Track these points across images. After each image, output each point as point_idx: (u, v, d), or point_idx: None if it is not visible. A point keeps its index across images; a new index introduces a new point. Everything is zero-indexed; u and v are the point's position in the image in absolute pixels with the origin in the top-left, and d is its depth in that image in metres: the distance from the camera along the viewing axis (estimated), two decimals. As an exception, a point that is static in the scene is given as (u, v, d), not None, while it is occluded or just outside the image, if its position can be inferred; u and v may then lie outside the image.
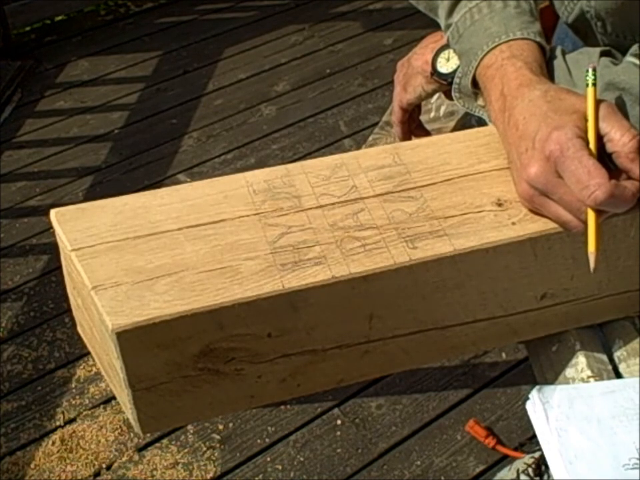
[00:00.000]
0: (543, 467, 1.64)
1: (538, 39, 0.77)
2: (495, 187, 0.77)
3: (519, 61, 0.75)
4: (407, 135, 0.98)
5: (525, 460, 1.68)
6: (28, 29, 3.23)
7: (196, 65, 3.02)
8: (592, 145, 0.69)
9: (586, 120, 0.69)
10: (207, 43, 3.13)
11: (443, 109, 1.09)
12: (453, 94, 0.84)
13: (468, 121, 1.04)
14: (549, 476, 1.62)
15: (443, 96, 1.04)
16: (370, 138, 1.08)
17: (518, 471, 1.66)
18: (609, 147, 0.69)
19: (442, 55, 0.87)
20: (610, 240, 0.75)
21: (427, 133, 0.99)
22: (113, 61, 3.07)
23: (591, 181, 0.66)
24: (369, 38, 3.09)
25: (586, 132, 0.69)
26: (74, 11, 3.32)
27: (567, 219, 0.69)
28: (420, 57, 0.91)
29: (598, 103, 0.70)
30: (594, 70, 0.71)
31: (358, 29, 3.15)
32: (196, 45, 3.13)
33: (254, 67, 3.00)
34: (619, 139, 0.68)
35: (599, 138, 0.69)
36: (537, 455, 1.67)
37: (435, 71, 0.87)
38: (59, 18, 3.30)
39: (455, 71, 0.84)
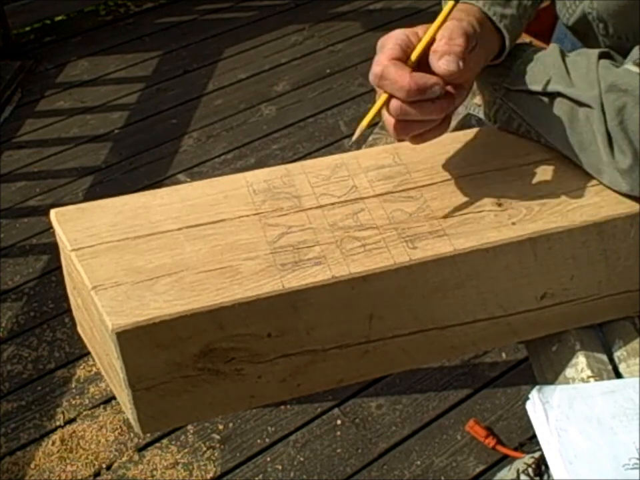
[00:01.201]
0: (543, 467, 1.64)
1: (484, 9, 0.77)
2: (494, 186, 0.77)
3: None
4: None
5: (525, 460, 1.68)
6: (28, 29, 3.23)
7: (196, 65, 3.02)
8: (424, 39, 0.72)
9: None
10: (207, 43, 3.13)
11: (442, 108, 1.09)
12: None
13: (468, 121, 1.04)
14: (549, 476, 1.62)
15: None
16: (370, 138, 1.08)
17: (518, 471, 1.66)
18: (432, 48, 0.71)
19: None
20: (610, 240, 0.75)
21: None
22: (113, 60, 3.07)
23: (376, 64, 0.72)
24: (369, 38, 3.08)
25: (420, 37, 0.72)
26: (74, 11, 3.32)
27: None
28: None
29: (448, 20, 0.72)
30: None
31: (358, 29, 3.15)
32: (196, 45, 3.13)
33: (254, 66, 2.99)
34: (439, 39, 0.70)
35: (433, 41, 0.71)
36: (536, 454, 1.67)
37: None
38: (59, 18, 3.30)
39: None
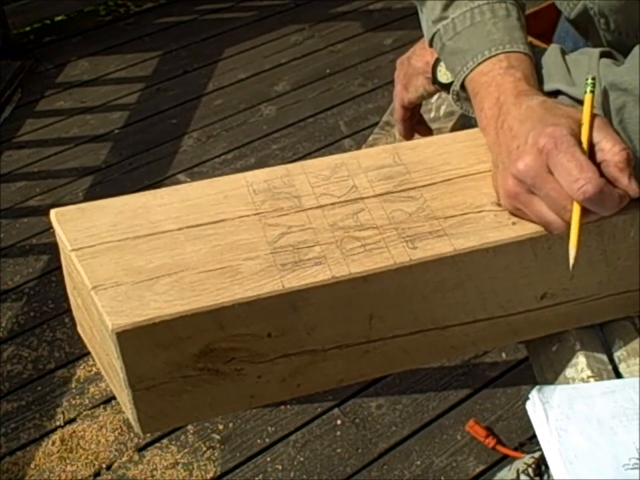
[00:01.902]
0: (543, 467, 1.64)
1: (531, 56, 0.78)
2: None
3: (518, 72, 0.75)
4: (409, 132, 0.98)
5: (524, 460, 1.68)
6: (28, 28, 3.23)
7: (196, 65, 3.02)
8: (584, 148, 0.68)
9: (580, 126, 0.69)
10: (207, 43, 3.13)
11: (442, 108, 1.09)
12: (451, 98, 0.84)
13: (468, 121, 1.03)
14: (549, 476, 1.63)
15: (443, 96, 1.04)
16: (370, 138, 1.08)
17: (518, 471, 1.66)
18: (599, 156, 0.68)
19: (442, 63, 0.86)
20: (610, 240, 0.75)
21: (428, 130, 1.00)
22: (113, 60, 3.07)
23: (582, 174, 0.65)
24: (369, 38, 3.09)
25: (579, 135, 0.69)
26: (74, 11, 3.32)
27: (551, 219, 0.69)
28: (420, 57, 0.91)
29: (594, 114, 0.70)
30: (593, 79, 0.72)
31: (358, 29, 3.15)
32: (196, 45, 3.13)
33: (254, 66, 3.00)
34: (609, 148, 0.68)
35: (591, 146, 0.69)
36: (536, 454, 1.67)
37: (435, 80, 0.88)
38: (59, 18, 3.30)
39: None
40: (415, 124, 0.98)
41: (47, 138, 2.72)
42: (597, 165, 0.68)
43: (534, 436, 1.59)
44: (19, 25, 3.17)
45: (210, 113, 2.79)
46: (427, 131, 0.99)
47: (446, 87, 0.86)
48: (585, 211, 0.67)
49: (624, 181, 0.67)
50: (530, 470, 1.65)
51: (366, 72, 2.91)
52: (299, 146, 2.63)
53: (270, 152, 2.61)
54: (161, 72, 3.00)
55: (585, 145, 0.69)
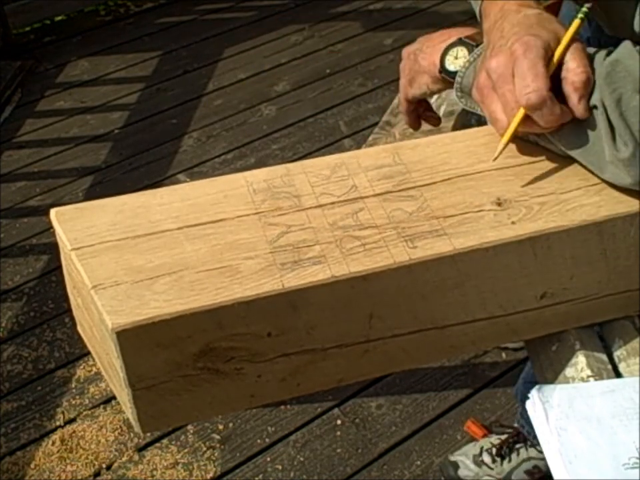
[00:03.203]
0: (507, 450, 1.66)
1: None
2: (494, 186, 0.77)
3: None
4: (415, 122, 0.99)
5: (491, 439, 1.69)
6: (28, 28, 3.24)
7: (196, 65, 3.02)
8: (554, 60, 0.72)
9: (559, 44, 0.73)
10: (207, 43, 3.13)
11: (443, 108, 1.09)
12: (454, 92, 0.84)
13: (468, 121, 1.04)
14: (510, 460, 1.64)
15: (443, 95, 1.04)
16: (370, 138, 1.08)
17: (482, 448, 1.68)
18: (563, 73, 0.73)
19: (451, 52, 0.87)
20: (610, 239, 0.75)
21: (437, 119, 1.00)
22: (113, 60, 3.07)
23: (533, 83, 0.70)
24: (369, 38, 3.09)
25: (553, 51, 0.73)
26: (74, 11, 3.32)
27: (499, 117, 0.74)
28: (428, 56, 0.91)
29: (574, 38, 0.74)
30: (588, 8, 0.76)
31: (358, 29, 3.15)
32: (196, 45, 3.13)
33: (254, 66, 3.00)
34: (573, 68, 0.72)
35: (561, 63, 0.73)
36: (503, 437, 1.68)
37: (442, 69, 0.88)
38: (59, 18, 3.30)
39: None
40: (423, 114, 0.98)
41: (47, 138, 2.72)
42: (560, 81, 0.73)
43: (534, 436, 1.59)
44: (18, 25, 3.18)
45: (210, 112, 2.79)
46: (436, 121, 1.00)
47: (453, 77, 0.87)
48: (527, 120, 0.72)
49: (574, 99, 0.72)
50: (494, 450, 1.66)
51: (366, 72, 2.91)
52: (299, 146, 2.63)
53: (270, 152, 2.61)
54: (161, 72, 3.00)
55: (555, 60, 0.72)
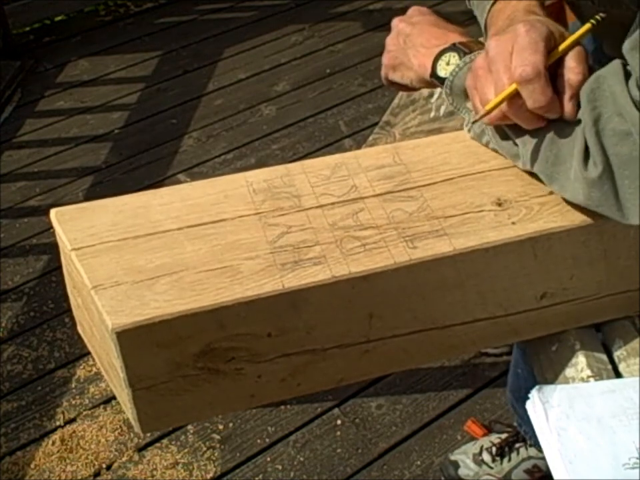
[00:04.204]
0: (507, 449, 1.66)
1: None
2: (494, 186, 0.77)
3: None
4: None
5: (491, 439, 1.69)
6: (28, 29, 3.23)
7: (196, 65, 3.02)
8: (558, 50, 0.72)
9: (561, 42, 0.73)
10: (207, 43, 3.13)
11: (442, 108, 1.09)
12: (444, 91, 0.84)
13: (468, 121, 1.03)
14: (510, 459, 1.64)
15: (443, 96, 1.04)
16: (370, 138, 1.08)
17: (482, 447, 1.68)
18: (560, 70, 0.72)
19: (443, 57, 0.86)
20: (610, 239, 0.75)
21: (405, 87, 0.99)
22: (113, 61, 3.07)
23: (530, 57, 0.70)
24: (369, 38, 3.08)
25: (555, 44, 0.73)
26: (74, 11, 3.32)
27: (489, 99, 0.73)
28: (420, 57, 0.90)
29: (580, 43, 0.74)
30: (602, 17, 0.76)
31: (358, 29, 3.15)
32: (196, 45, 3.13)
33: (254, 66, 2.99)
34: (572, 67, 0.72)
35: (559, 62, 0.73)
36: (503, 436, 1.68)
37: (434, 74, 0.87)
38: (59, 18, 3.30)
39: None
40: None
41: (47, 138, 2.72)
42: (556, 76, 0.72)
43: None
44: (18, 25, 3.17)
45: (210, 112, 2.79)
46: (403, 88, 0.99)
47: (443, 82, 0.86)
48: (514, 100, 0.71)
49: (567, 96, 0.71)
50: (494, 449, 1.66)
51: (366, 72, 2.91)
52: (299, 146, 2.63)
53: (270, 152, 2.61)
54: (161, 72, 3.00)
55: (560, 50, 0.72)
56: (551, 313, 0.78)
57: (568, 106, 0.71)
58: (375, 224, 0.73)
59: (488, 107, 0.73)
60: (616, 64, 0.71)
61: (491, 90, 0.73)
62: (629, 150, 0.68)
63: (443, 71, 0.86)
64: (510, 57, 0.72)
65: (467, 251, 0.71)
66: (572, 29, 1.03)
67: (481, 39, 0.88)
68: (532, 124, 0.73)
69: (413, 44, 0.91)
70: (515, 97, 0.71)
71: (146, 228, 0.73)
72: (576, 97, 0.71)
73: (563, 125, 0.72)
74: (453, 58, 0.84)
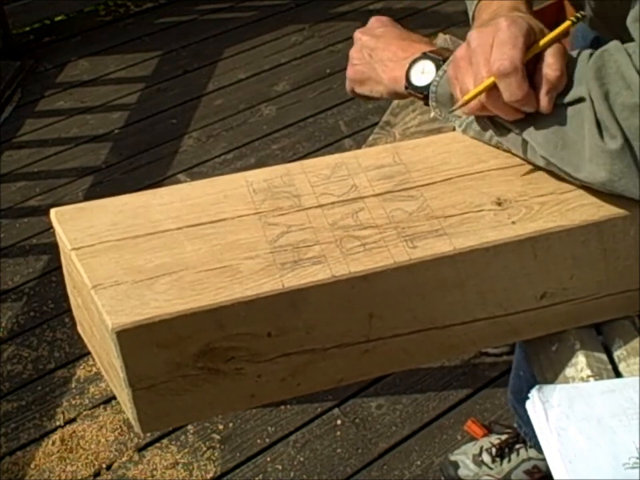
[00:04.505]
0: (507, 450, 1.66)
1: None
2: (494, 186, 0.77)
3: None
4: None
5: (491, 439, 1.69)
6: (28, 29, 3.24)
7: (196, 65, 3.02)
8: (538, 45, 0.73)
9: (540, 39, 0.74)
10: (207, 43, 3.13)
11: (442, 108, 1.09)
12: (430, 103, 0.83)
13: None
14: (510, 459, 1.65)
15: (430, 107, 1.03)
16: (370, 138, 1.08)
17: (482, 448, 1.68)
18: (539, 65, 0.73)
19: (416, 67, 0.84)
20: (610, 239, 0.75)
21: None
22: (113, 61, 3.07)
23: (509, 51, 0.71)
24: (369, 38, 3.08)
25: (535, 40, 0.74)
26: (74, 11, 3.32)
27: (468, 89, 0.74)
28: (389, 71, 0.88)
29: (559, 40, 0.74)
30: (583, 16, 0.79)
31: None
32: (196, 45, 3.13)
33: (254, 66, 3.00)
34: (551, 63, 0.73)
35: (539, 55, 0.73)
36: (503, 437, 1.68)
37: (409, 84, 0.86)
38: (59, 18, 3.30)
39: (430, 84, 0.83)
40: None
41: (47, 138, 2.72)
42: (534, 70, 0.73)
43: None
44: (18, 25, 3.18)
45: (210, 112, 2.79)
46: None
47: (421, 92, 0.85)
48: (492, 92, 0.73)
49: (543, 90, 0.72)
50: (493, 449, 1.66)
51: (366, 72, 2.90)
52: (299, 146, 2.63)
53: (270, 152, 2.61)
54: (161, 72, 3.00)
55: (540, 44, 0.73)
56: (550, 312, 0.78)
57: (544, 100, 0.72)
58: (374, 223, 0.73)
59: (466, 97, 0.74)
60: (616, 41, 0.72)
61: (470, 81, 0.75)
62: None
63: (418, 79, 0.84)
64: (490, 50, 0.73)
65: (466, 251, 0.71)
66: (577, 29, 1.03)
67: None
68: (510, 115, 0.74)
69: (380, 58, 0.89)
70: (493, 89, 0.73)
71: (146, 228, 0.73)
72: (552, 92, 0.72)
73: (562, 109, 0.73)
74: (427, 66, 0.83)
